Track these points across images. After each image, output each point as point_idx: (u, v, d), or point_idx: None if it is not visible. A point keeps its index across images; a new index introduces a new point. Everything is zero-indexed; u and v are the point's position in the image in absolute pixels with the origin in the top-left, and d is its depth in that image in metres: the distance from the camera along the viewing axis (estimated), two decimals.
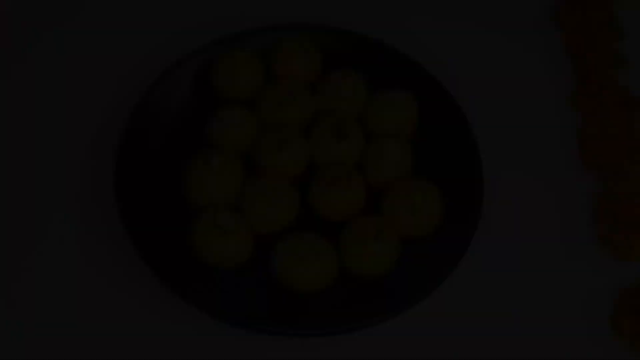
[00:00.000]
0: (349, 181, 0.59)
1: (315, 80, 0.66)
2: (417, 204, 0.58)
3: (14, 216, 0.61)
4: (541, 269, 0.61)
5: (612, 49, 0.69)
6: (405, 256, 0.58)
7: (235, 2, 0.73)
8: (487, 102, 0.68)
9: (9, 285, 0.58)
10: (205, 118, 0.63)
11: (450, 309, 0.59)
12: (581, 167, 0.66)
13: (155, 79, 0.64)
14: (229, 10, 0.72)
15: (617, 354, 0.58)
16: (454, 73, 0.69)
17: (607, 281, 0.61)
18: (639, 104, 0.67)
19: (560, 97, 0.70)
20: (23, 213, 0.61)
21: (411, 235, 0.59)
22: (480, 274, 0.60)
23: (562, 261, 0.61)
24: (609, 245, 0.61)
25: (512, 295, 0.60)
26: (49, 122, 0.65)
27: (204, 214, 0.57)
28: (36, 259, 0.59)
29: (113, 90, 0.67)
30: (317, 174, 0.60)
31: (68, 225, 0.60)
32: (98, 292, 0.58)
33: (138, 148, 0.61)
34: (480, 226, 0.59)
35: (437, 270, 0.57)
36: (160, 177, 0.61)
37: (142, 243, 0.57)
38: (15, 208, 0.61)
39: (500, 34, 0.73)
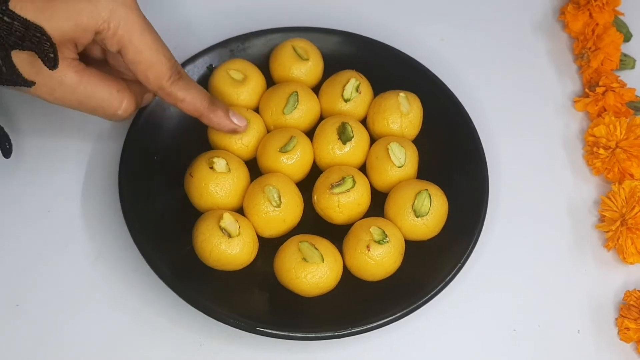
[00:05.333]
0: (353, 184, 0.59)
1: (318, 83, 0.66)
2: (421, 207, 0.58)
3: (15, 214, 0.61)
4: (546, 272, 0.61)
5: (618, 50, 0.69)
6: (409, 258, 0.58)
7: (236, 5, 0.73)
8: (492, 103, 0.68)
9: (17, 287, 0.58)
10: None
11: (454, 310, 0.58)
12: (587, 169, 0.66)
13: None
14: (230, 12, 0.72)
15: (623, 358, 0.57)
16: (458, 75, 0.68)
17: (613, 284, 0.60)
18: None
19: (565, 98, 0.69)
20: (29, 210, 0.61)
21: (415, 237, 0.59)
22: (484, 276, 0.60)
23: (567, 264, 0.61)
24: (615, 248, 0.61)
25: (516, 298, 0.60)
26: (52, 123, 0.65)
27: (208, 218, 0.57)
28: (38, 255, 0.59)
29: None
30: (322, 176, 0.60)
31: (70, 227, 0.60)
32: (99, 292, 0.58)
33: (142, 151, 0.61)
34: (485, 229, 0.59)
35: (440, 272, 0.57)
36: (164, 180, 0.61)
37: (145, 244, 0.56)
38: (19, 207, 0.61)
39: (505, 35, 0.73)
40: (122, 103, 0.53)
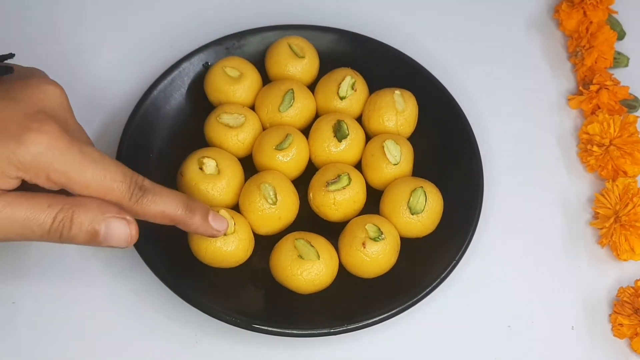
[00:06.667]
0: (348, 181, 0.59)
1: (314, 80, 0.66)
2: (417, 204, 0.58)
3: None
4: (540, 268, 0.61)
5: (611, 48, 0.69)
6: (405, 256, 0.58)
7: (231, 3, 0.73)
8: (486, 101, 0.68)
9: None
10: (205, 118, 0.63)
11: (449, 307, 0.59)
12: (581, 166, 0.66)
13: (154, 80, 0.63)
14: (226, 10, 0.72)
15: (616, 353, 0.58)
16: (453, 72, 0.69)
17: (606, 281, 0.61)
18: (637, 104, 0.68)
19: (559, 96, 0.70)
20: None
21: (410, 235, 0.59)
22: (478, 273, 0.60)
23: (561, 260, 0.62)
24: (609, 245, 0.61)
25: (510, 294, 0.60)
26: None
27: None
28: (33, 252, 0.59)
29: (112, 92, 0.67)
30: (317, 174, 0.60)
31: None
32: (95, 289, 0.58)
33: (138, 148, 0.61)
34: (480, 226, 0.59)
35: (436, 269, 0.57)
36: (160, 177, 0.61)
37: (141, 240, 0.56)
38: None
39: (500, 33, 0.73)
40: (52, 217, 0.44)
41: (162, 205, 0.47)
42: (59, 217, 0.45)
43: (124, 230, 0.46)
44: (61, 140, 0.44)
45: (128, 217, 0.46)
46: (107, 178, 0.45)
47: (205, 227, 0.50)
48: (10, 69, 0.48)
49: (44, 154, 0.43)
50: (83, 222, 0.45)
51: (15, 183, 0.44)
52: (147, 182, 0.47)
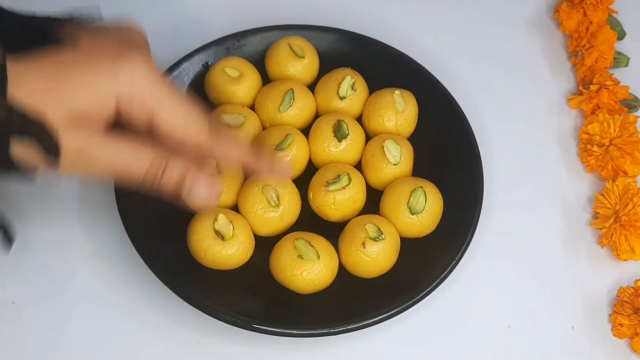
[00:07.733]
0: (348, 181, 0.59)
1: (314, 80, 0.66)
2: (416, 204, 0.58)
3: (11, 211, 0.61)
4: (540, 268, 0.61)
5: (611, 48, 0.69)
6: (405, 255, 0.58)
7: (231, 3, 0.73)
8: (486, 101, 0.68)
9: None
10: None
11: (449, 307, 0.59)
12: (581, 166, 0.66)
13: None
14: (226, 10, 0.72)
15: (616, 353, 0.58)
16: (453, 72, 0.69)
17: (606, 281, 0.61)
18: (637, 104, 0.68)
19: (559, 96, 0.70)
20: (25, 207, 0.61)
21: (410, 235, 0.59)
22: (478, 273, 0.60)
23: (561, 260, 0.62)
24: (609, 245, 0.61)
25: (510, 294, 0.60)
26: None
27: (202, 217, 0.56)
28: (34, 252, 0.59)
29: None
30: (317, 174, 0.60)
31: (66, 224, 0.60)
32: (95, 289, 0.58)
33: None
34: (480, 226, 0.59)
35: (435, 269, 0.57)
36: None
37: (141, 240, 0.56)
38: (15, 204, 0.61)
39: (500, 33, 0.73)
40: (149, 161, 0.46)
41: (235, 145, 0.51)
42: (156, 163, 0.46)
43: (207, 186, 0.48)
44: (154, 67, 0.45)
45: (215, 180, 0.48)
46: (194, 113, 0.47)
47: (273, 167, 0.54)
48: (100, 17, 0.49)
49: (141, 75, 0.44)
50: (174, 171, 0.47)
51: (111, 112, 0.45)
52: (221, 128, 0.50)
